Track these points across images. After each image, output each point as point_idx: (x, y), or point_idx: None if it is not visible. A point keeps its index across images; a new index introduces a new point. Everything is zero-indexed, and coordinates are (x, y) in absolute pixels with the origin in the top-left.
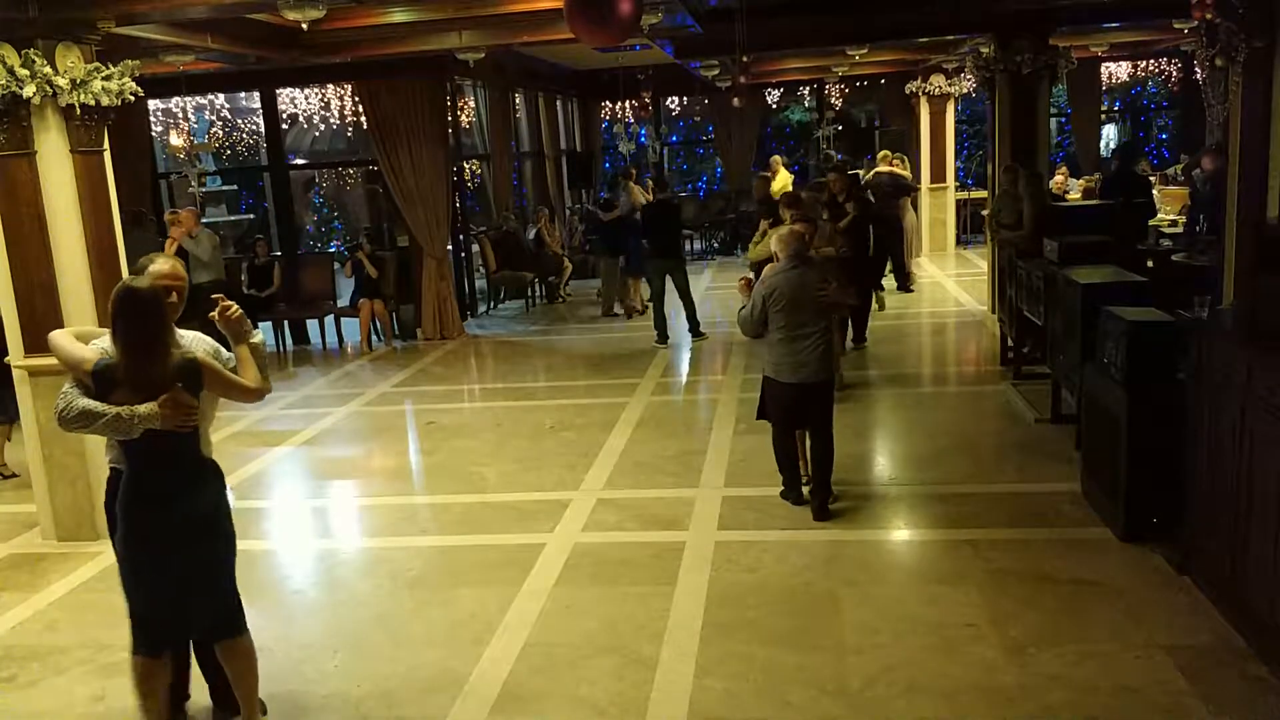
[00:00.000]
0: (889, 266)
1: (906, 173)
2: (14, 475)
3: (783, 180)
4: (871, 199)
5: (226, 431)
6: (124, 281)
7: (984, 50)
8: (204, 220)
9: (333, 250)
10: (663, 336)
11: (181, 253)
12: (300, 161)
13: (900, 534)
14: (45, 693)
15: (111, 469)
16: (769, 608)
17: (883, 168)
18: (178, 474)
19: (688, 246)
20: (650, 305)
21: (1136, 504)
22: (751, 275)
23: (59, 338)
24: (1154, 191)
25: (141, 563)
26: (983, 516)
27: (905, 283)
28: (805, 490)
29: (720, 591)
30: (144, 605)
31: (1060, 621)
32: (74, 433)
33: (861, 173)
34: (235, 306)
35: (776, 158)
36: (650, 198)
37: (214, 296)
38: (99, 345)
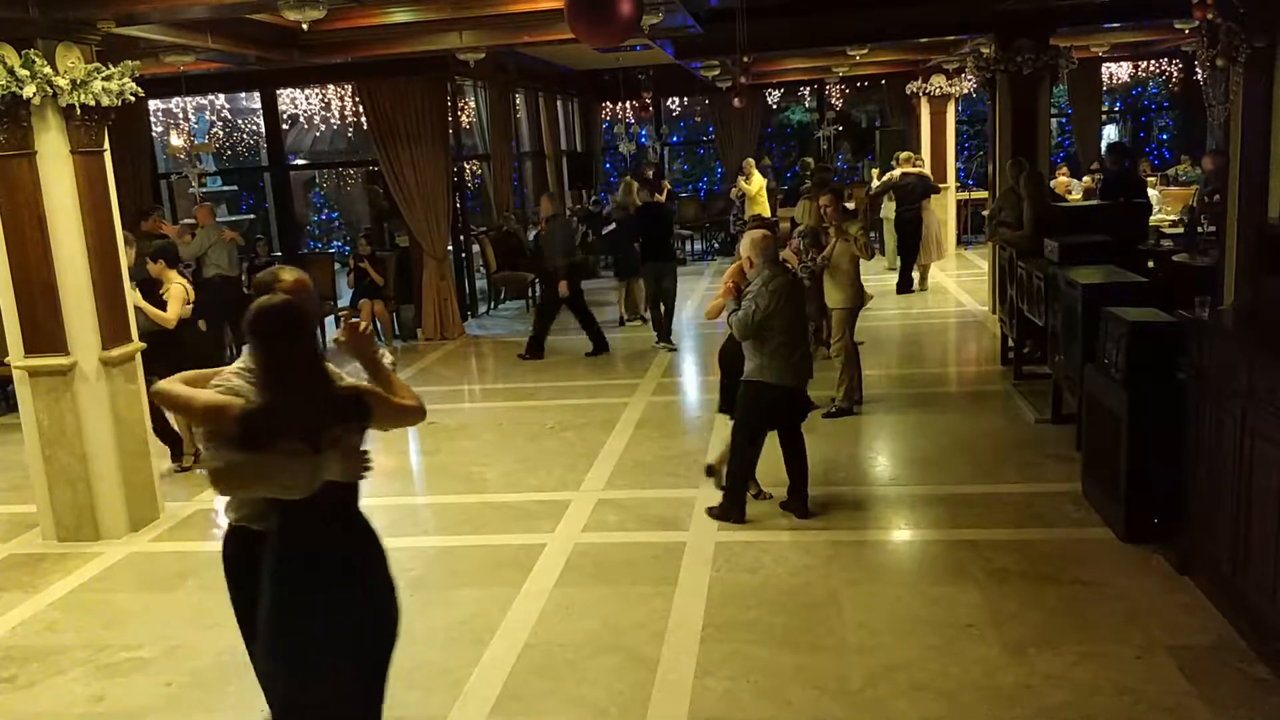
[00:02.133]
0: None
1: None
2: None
3: (758, 183)
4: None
5: None
6: (268, 298)
7: (985, 50)
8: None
9: (333, 250)
10: (666, 337)
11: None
12: (300, 162)
13: (900, 534)
14: (45, 693)
15: (234, 527)
16: (769, 608)
17: (909, 169)
18: (355, 535)
19: (688, 247)
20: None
21: (1136, 504)
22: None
23: (172, 388)
24: (1151, 191)
25: (314, 649)
26: (983, 516)
27: (908, 285)
28: (751, 497)
29: (721, 592)
30: (310, 699)
31: (1060, 621)
32: (235, 494)
33: (876, 173)
34: (365, 322)
35: (749, 160)
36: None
37: (341, 314)
38: (228, 384)
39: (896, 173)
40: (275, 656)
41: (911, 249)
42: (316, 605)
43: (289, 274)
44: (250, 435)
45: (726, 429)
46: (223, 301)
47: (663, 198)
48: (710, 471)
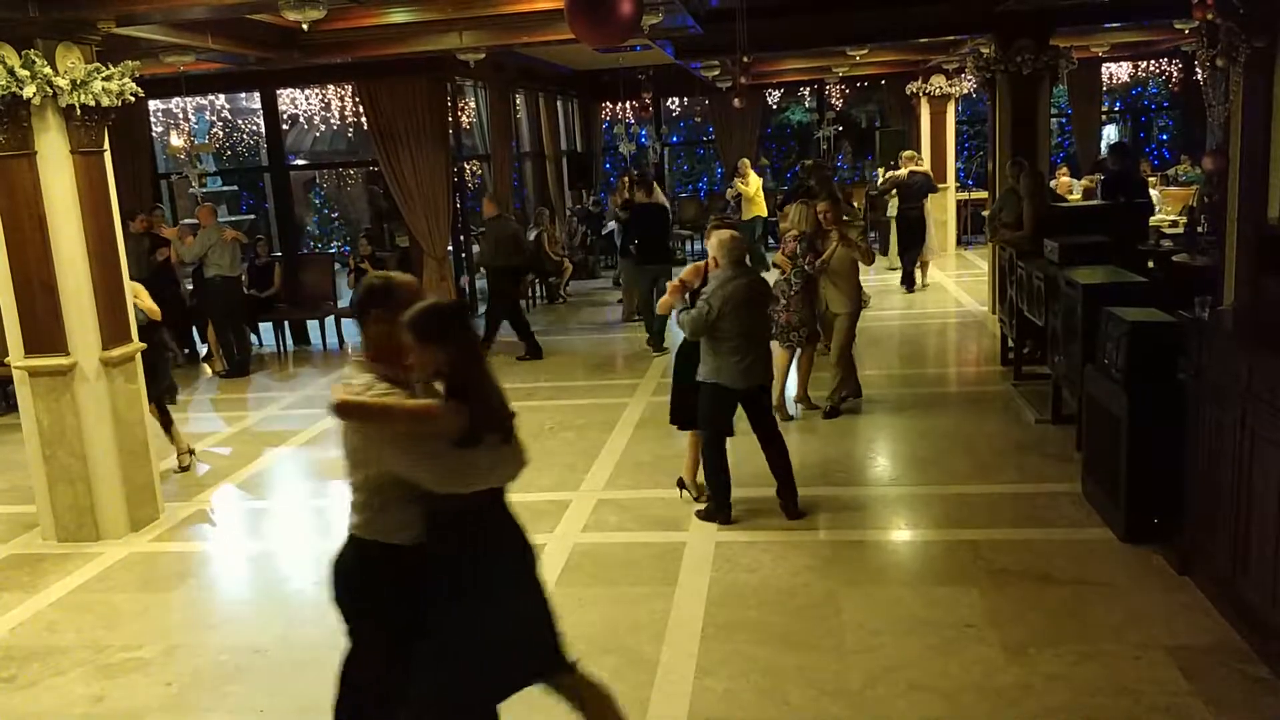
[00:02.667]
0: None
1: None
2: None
3: (755, 183)
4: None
5: (227, 432)
6: (435, 300)
7: (985, 50)
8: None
9: (333, 251)
10: (658, 344)
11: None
12: (300, 162)
13: (900, 534)
14: (45, 693)
15: (389, 546)
16: (769, 608)
17: (914, 167)
18: (517, 537)
19: (689, 247)
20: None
21: (1136, 504)
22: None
23: (363, 402)
24: (1152, 191)
25: (505, 643)
26: (983, 516)
27: (911, 283)
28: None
29: (721, 592)
30: (490, 695)
31: (1060, 622)
32: (459, 490)
33: (882, 172)
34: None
35: (745, 161)
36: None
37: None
38: (373, 388)
39: (903, 171)
40: (459, 659)
41: (916, 245)
42: (506, 597)
43: (402, 277)
44: (473, 431)
45: (684, 440)
46: (224, 302)
47: (649, 197)
48: (681, 484)
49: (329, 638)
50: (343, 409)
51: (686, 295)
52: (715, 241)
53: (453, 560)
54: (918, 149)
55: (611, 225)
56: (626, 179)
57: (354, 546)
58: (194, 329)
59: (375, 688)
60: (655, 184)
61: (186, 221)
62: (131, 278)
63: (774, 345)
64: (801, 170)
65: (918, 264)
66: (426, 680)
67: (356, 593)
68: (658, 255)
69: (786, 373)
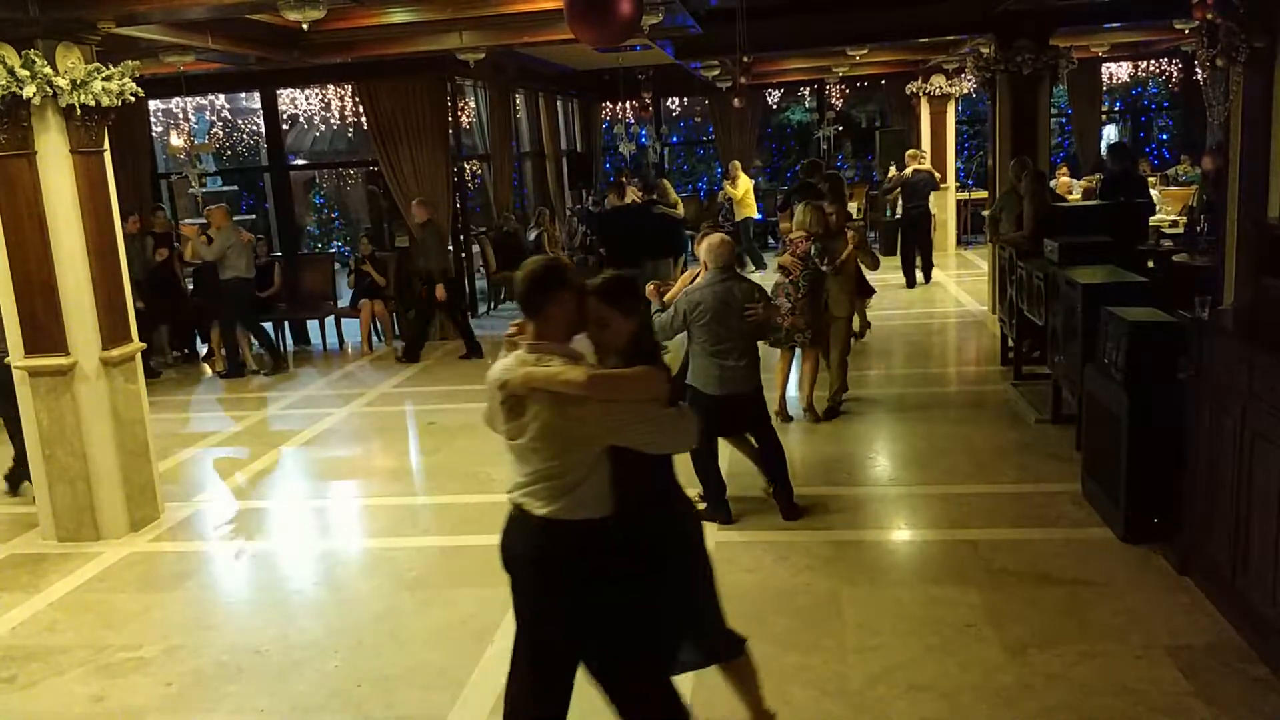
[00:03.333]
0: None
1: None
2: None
3: (744, 185)
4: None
5: (228, 432)
6: (615, 273)
7: (984, 50)
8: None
9: (333, 250)
10: None
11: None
12: (300, 162)
13: (900, 534)
14: (45, 693)
15: (588, 521)
16: (769, 607)
17: (918, 166)
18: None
19: (689, 247)
20: None
21: (1136, 504)
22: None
23: (611, 375)
24: (1153, 191)
25: (695, 603)
26: (983, 516)
27: (928, 277)
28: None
29: (720, 591)
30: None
31: (1060, 621)
32: (685, 450)
33: (892, 170)
34: None
35: (735, 163)
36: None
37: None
38: (569, 355)
39: (909, 170)
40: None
41: (925, 243)
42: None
43: (560, 257)
44: (674, 395)
45: None
46: (239, 303)
47: (624, 199)
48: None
49: (329, 638)
50: (595, 383)
51: (662, 297)
52: (704, 246)
53: (664, 522)
54: (918, 149)
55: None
56: (622, 179)
57: (547, 532)
58: (195, 330)
59: (565, 673)
60: (629, 186)
61: (189, 221)
62: (131, 278)
63: (773, 349)
64: (801, 169)
65: (918, 264)
66: (642, 639)
67: (557, 577)
68: (626, 261)
69: (787, 375)
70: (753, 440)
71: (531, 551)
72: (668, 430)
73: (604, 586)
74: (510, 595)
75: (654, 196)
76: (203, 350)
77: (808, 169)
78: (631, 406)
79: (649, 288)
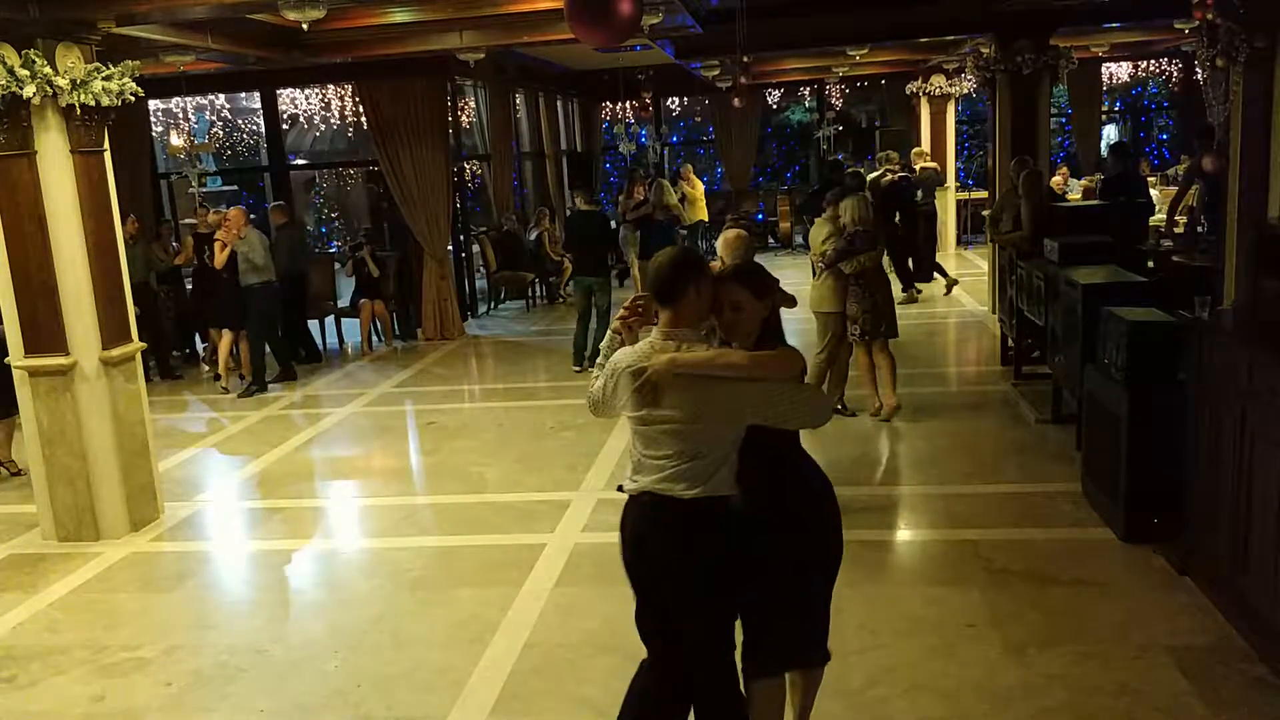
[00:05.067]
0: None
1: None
2: (19, 473)
3: (699, 188)
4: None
5: (228, 432)
6: (746, 261)
7: (984, 50)
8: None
9: (333, 250)
10: (579, 361)
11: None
12: (301, 161)
13: (900, 534)
14: (45, 693)
15: (720, 499)
16: None
17: (924, 164)
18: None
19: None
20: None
21: (1136, 504)
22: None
23: (771, 356)
24: (1153, 191)
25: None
26: (983, 516)
27: (916, 279)
28: None
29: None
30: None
31: (1060, 621)
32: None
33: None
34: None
35: (688, 166)
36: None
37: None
38: (695, 340)
39: (916, 167)
40: (825, 580)
41: (930, 240)
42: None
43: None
44: (804, 372)
45: None
46: (266, 311)
47: (587, 204)
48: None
49: (329, 638)
50: (758, 365)
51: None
52: (720, 241)
53: (802, 494)
54: (921, 148)
55: (612, 225)
56: (665, 182)
57: (696, 513)
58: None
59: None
60: (639, 186)
61: (187, 222)
62: (132, 280)
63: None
64: (826, 168)
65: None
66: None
67: (699, 554)
68: (591, 268)
69: (865, 370)
70: None
71: (677, 536)
72: (810, 405)
73: (718, 560)
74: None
75: (645, 198)
76: (202, 350)
77: (832, 167)
78: (778, 385)
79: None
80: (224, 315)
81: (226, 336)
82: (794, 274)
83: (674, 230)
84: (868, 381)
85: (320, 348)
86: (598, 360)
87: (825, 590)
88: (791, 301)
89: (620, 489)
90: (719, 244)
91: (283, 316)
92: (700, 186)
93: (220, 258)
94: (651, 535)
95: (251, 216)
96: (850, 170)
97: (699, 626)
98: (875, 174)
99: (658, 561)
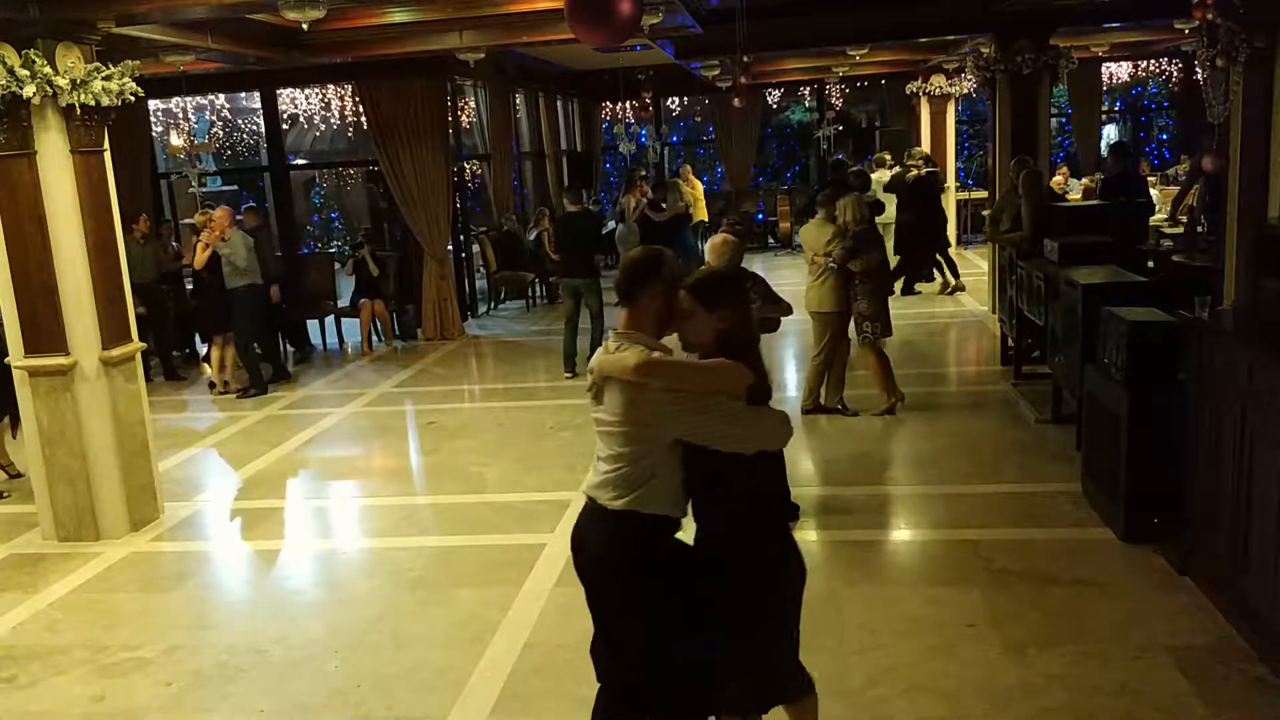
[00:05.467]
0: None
1: None
2: (19, 475)
3: (698, 189)
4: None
5: (228, 432)
6: (713, 269)
7: (984, 50)
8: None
9: (333, 250)
10: (569, 366)
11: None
12: (300, 161)
13: (900, 534)
14: (45, 693)
15: (654, 517)
16: None
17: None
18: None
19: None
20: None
21: (1136, 504)
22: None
23: (670, 360)
24: (1153, 191)
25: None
26: (983, 516)
27: (920, 279)
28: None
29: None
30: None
31: (1060, 621)
32: (763, 448)
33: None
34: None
35: (687, 166)
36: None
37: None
38: (651, 344)
39: (925, 170)
40: (781, 626)
41: (942, 241)
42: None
43: (663, 249)
44: (759, 390)
45: None
46: (255, 313)
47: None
48: None
49: (329, 638)
50: (648, 367)
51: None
52: (708, 247)
53: (755, 527)
54: (922, 148)
55: (611, 224)
56: (680, 182)
57: (615, 522)
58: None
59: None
60: (640, 185)
61: (187, 222)
62: (142, 279)
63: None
64: (831, 167)
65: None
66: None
67: (628, 568)
68: (580, 268)
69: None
70: None
71: (600, 543)
72: (739, 427)
73: (658, 582)
74: (585, 593)
75: (646, 197)
76: (202, 350)
77: (835, 166)
78: (694, 398)
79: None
80: (210, 323)
81: (217, 345)
82: (793, 274)
83: (684, 230)
84: (883, 380)
85: (286, 351)
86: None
87: (785, 634)
88: (786, 311)
89: (583, 490)
90: (706, 249)
91: (269, 319)
92: (699, 186)
93: (200, 258)
94: (587, 539)
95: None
96: (854, 170)
97: (633, 642)
98: (894, 171)
99: (591, 567)
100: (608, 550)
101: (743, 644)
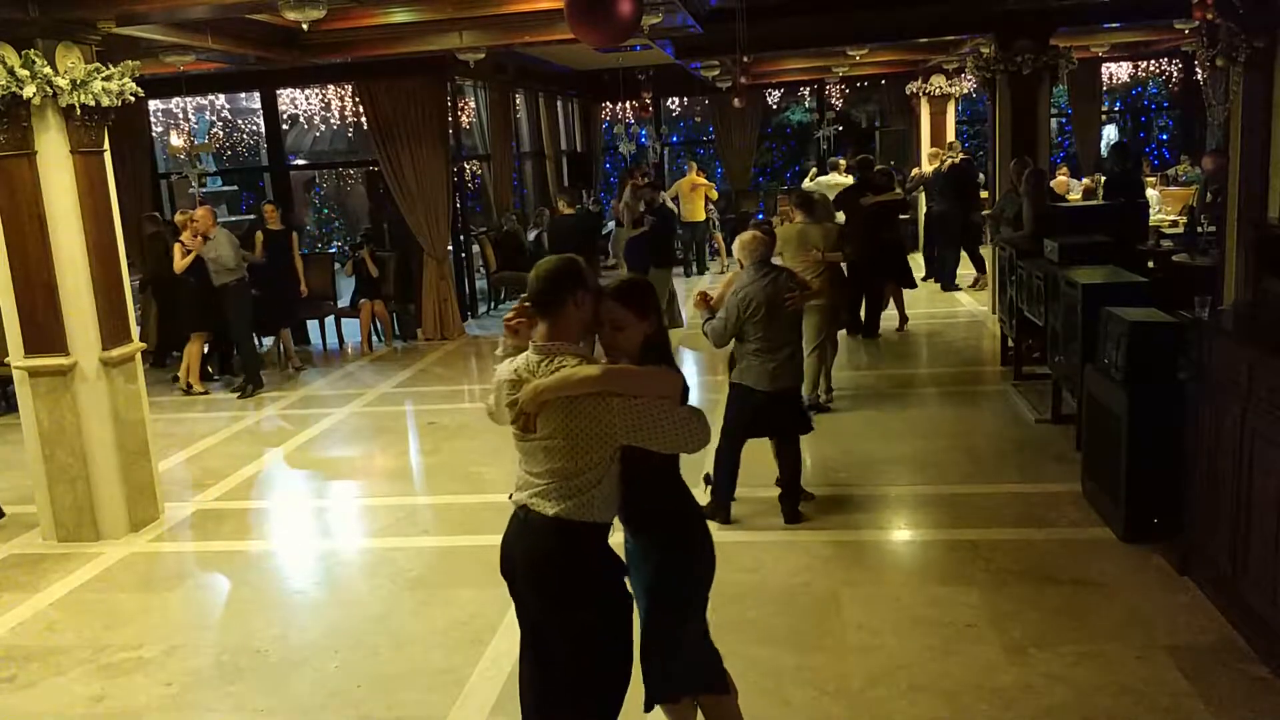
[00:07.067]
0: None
1: None
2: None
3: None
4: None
5: (227, 432)
6: (631, 276)
7: (985, 50)
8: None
9: (333, 250)
10: None
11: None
12: (301, 162)
13: (900, 534)
14: (45, 693)
15: (589, 524)
16: (769, 608)
17: (937, 165)
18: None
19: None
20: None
21: (1136, 504)
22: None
23: (628, 369)
24: (1151, 191)
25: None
26: (983, 516)
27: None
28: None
29: (720, 591)
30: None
31: (1060, 621)
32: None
33: (920, 167)
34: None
35: (693, 163)
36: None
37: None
38: (575, 357)
39: (929, 168)
40: (691, 618)
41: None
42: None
43: (578, 258)
44: (685, 392)
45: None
46: (244, 308)
47: (570, 208)
48: (709, 480)
49: (329, 638)
50: (615, 378)
51: (709, 304)
52: (737, 244)
53: (673, 521)
54: (918, 149)
55: (610, 225)
56: (639, 178)
57: (555, 533)
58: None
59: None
60: (578, 194)
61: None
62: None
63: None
64: (855, 164)
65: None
66: (617, 658)
67: (572, 578)
68: None
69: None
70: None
71: (536, 553)
72: (685, 428)
73: (601, 595)
74: (511, 598)
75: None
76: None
77: (862, 165)
78: (649, 404)
79: (696, 296)
80: (192, 322)
81: (195, 343)
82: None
83: (672, 231)
84: (824, 371)
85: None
86: (495, 366)
87: (691, 626)
88: (816, 295)
89: (509, 498)
90: (735, 246)
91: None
92: (701, 184)
93: (180, 263)
94: (515, 550)
95: (252, 217)
96: (879, 169)
97: (574, 651)
98: (933, 166)
99: (517, 579)
100: (551, 560)
101: (651, 628)
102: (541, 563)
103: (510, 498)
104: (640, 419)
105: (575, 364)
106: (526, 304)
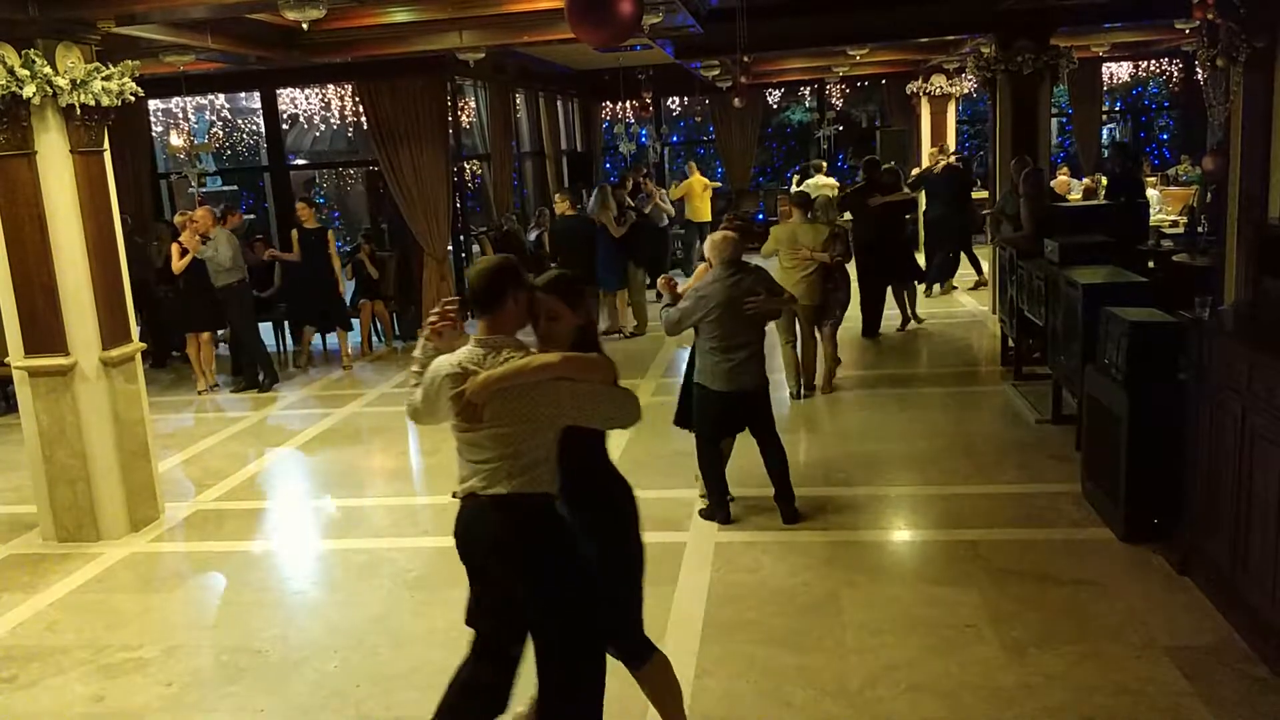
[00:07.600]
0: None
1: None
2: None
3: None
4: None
5: (227, 432)
6: (560, 270)
7: (985, 50)
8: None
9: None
10: None
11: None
12: (301, 161)
13: (900, 534)
14: (45, 693)
15: (541, 495)
16: (769, 608)
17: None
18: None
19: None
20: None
21: (1136, 504)
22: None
23: (581, 356)
24: (1151, 191)
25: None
26: (983, 516)
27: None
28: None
29: (720, 592)
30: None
31: (1060, 622)
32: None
33: (925, 164)
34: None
35: (692, 164)
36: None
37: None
38: (520, 349)
39: (938, 165)
40: (627, 581)
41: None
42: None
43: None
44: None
45: (683, 439)
46: (247, 307)
47: (573, 210)
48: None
49: (329, 638)
50: (572, 364)
51: (675, 291)
52: (709, 243)
53: (611, 493)
54: (918, 149)
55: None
56: (639, 178)
57: (503, 508)
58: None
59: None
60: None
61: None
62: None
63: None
64: (863, 166)
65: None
66: (592, 616)
67: (538, 542)
68: (580, 275)
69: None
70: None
71: (499, 528)
72: (622, 407)
73: (561, 560)
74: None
75: (629, 202)
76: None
77: (869, 165)
78: (593, 387)
79: (660, 281)
80: (193, 321)
81: (197, 340)
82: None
83: (665, 231)
84: (801, 364)
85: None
86: (413, 369)
87: (622, 590)
88: (789, 301)
89: (454, 495)
90: (706, 246)
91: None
92: (700, 183)
93: (178, 264)
94: (470, 535)
95: (251, 216)
96: (886, 168)
97: (552, 625)
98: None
99: (476, 561)
100: (516, 530)
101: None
102: (508, 536)
103: (455, 494)
104: (586, 400)
105: (521, 355)
106: (448, 308)
